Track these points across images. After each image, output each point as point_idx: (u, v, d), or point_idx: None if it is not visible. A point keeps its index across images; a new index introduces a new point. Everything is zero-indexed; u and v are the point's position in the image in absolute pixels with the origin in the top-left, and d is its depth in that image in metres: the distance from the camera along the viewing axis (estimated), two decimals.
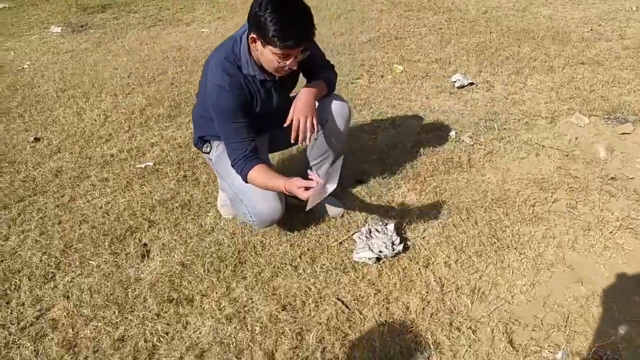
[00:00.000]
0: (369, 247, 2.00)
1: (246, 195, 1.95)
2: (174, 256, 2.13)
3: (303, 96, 1.89)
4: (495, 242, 2.08)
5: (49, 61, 5.04)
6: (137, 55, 4.98)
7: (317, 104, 2.01)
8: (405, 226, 2.20)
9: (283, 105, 1.93)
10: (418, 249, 2.07)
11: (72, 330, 1.81)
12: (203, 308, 1.85)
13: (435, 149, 2.84)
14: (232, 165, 1.88)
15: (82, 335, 1.79)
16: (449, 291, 1.85)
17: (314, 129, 1.88)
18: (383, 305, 1.81)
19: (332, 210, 2.31)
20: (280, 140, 1.94)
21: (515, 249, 2.05)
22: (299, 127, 1.87)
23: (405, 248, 2.07)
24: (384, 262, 2.00)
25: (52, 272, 2.10)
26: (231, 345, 1.70)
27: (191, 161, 2.90)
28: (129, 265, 2.11)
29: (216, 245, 2.18)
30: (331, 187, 1.67)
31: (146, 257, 2.16)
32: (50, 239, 2.32)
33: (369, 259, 1.98)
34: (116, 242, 2.26)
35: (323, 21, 5.56)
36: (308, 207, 1.70)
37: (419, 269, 1.95)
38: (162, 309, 1.86)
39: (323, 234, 2.20)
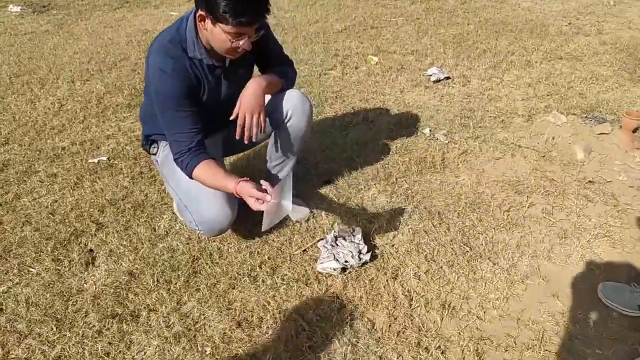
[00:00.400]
0: (334, 257, 1.85)
1: (191, 200, 1.78)
2: (121, 264, 1.95)
3: (250, 88, 1.72)
4: (467, 251, 1.96)
5: (5, 43, 4.73)
6: (99, 39, 4.71)
7: (267, 98, 1.85)
8: (374, 232, 2.06)
9: (234, 98, 1.75)
10: (387, 258, 1.93)
11: (2, 349, 1.62)
12: (150, 325, 1.68)
13: (408, 147, 2.71)
14: (176, 160, 1.69)
15: (13, 356, 1.60)
16: (418, 306, 1.73)
17: (260, 126, 1.73)
18: (347, 322, 1.67)
19: (297, 213, 2.15)
20: (234, 140, 1.77)
21: (488, 258, 1.93)
22: (244, 123, 1.71)
23: (374, 257, 1.93)
24: (349, 272, 1.87)
25: None
26: None
27: (149, 156, 2.70)
28: (72, 274, 1.93)
29: (169, 252, 2.00)
30: (288, 204, 1.50)
31: (91, 265, 1.97)
32: None
33: (334, 269, 1.84)
34: (60, 247, 2.06)
35: (298, 7, 5.35)
36: (264, 228, 1.53)
37: (387, 281, 1.82)
38: (104, 326, 1.69)
39: (286, 240, 2.05)
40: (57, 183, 2.55)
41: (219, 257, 1.97)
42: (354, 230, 1.98)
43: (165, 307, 1.74)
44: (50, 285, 1.87)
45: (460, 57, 3.91)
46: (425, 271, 1.87)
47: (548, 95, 3.25)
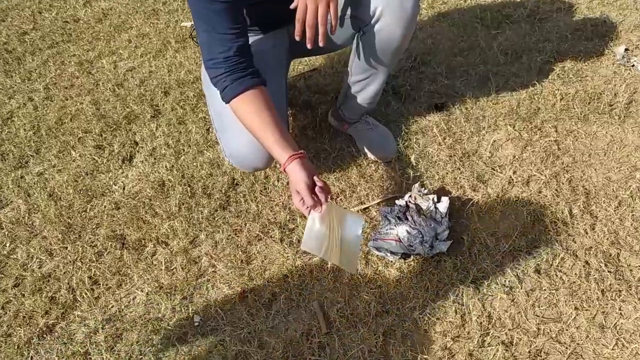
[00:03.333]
0: (398, 236, 1.30)
1: (223, 126, 1.31)
2: (158, 169, 1.64)
3: None
4: (607, 277, 1.25)
5: None
6: None
7: None
8: (470, 208, 1.42)
9: None
10: (477, 255, 1.32)
11: (10, 244, 1.48)
12: (151, 263, 1.39)
13: (580, 71, 1.83)
14: (212, 80, 1.19)
15: (14, 257, 1.45)
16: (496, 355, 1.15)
17: (331, 24, 1.13)
18: (379, 339, 1.18)
19: (385, 148, 1.58)
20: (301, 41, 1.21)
21: None
22: (304, 17, 1.12)
23: (455, 245, 1.33)
24: (413, 260, 1.32)
25: (28, 157, 1.76)
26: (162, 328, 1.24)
27: None
28: (106, 169, 1.68)
29: (211, 166, 1.63)
30: (352, 264, 1.09)
31: (128, 162, 1.70)
32: (48, 108, 1.94)
33: (392, 253, 1.30)
34: (108, 130, 1.82)
35: None
36: (303, 247, 1.06)
37: (461, 292, 1.24)
38: (107, 249, 1.44)
39: (348, 187, 1.52)
40: (143, 46, 2.27)
41: (261, 191, 1.54)
42: (439, 199, 1.37)
43: (177, 244, 1.42)
44: (80, 178, 1.65)
45: None
46: (530, 299, 1.23)
47: None
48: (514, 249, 1.32)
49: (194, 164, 1.64)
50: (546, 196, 1.43)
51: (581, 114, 1.67)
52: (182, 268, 1.36)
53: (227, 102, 1.16)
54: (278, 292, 1.28)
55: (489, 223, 1.38)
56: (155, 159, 1.69)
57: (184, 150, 1.71)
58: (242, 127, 1.18)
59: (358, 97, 1.50)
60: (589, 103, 1.70)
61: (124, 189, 1.61)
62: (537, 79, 1.83)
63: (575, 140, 1.59)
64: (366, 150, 1.60)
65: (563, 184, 1.46)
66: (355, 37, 1.37)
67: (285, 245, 1.37)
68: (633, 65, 1.81)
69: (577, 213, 1.38)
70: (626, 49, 1.88)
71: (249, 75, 1.14)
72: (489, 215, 1.40)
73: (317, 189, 1.06)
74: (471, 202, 1.43)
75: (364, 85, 1.47)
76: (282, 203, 1.50)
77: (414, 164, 1.56)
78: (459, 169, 1.54)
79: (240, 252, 1.38)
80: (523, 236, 1.34)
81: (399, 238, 1.29)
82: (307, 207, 1.06)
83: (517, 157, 1.56)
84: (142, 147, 1.74)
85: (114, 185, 1.62)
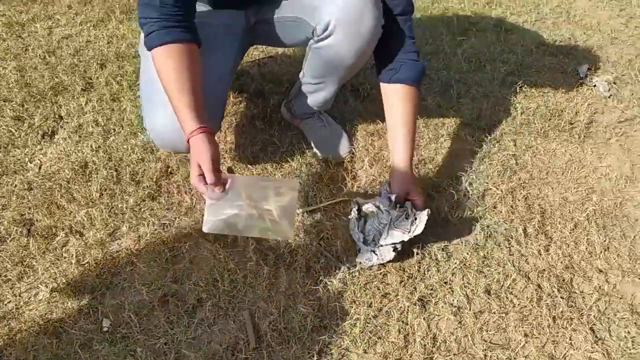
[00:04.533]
0: (363, 237, 1.19)
1: (151, 89, 1.15)
2: (82, 148, 1.46)
3: None
4: (559, 304, 1.18)
5: None
6: None
7: None
8: (442, 206, 1.33)
9: None
10: (425, 271, 1.22)
11: None
12: (60, 255, 1.21)
13: (542, 87, 1.78)
14: (141, 20, 1.04)
15: None
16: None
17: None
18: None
19: (337, 147, 1.47)
20: (260, 30, 1.09)
21: (591, 327, 1.14)
22: None
23: (402, 258, 1.23)
24: (355, 273, 1.20)
25: None
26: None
27: None
28: (23, 143, 1.48)
29: (143, 151, 1.46)
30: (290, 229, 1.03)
31: (49, 138, 1.50)
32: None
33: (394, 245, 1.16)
34: (30, 101, 1.61)
35: None
36: (205, 228, 1.00)
37: (408, 312, 1.14)
38: (11, 235, 1.24)
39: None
40: (84, 14, 2.07)
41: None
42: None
43: (93, 234, 1.24)
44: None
45: None
46: (478, 322, 1.14)
47: None
48: (465, 265, 1.23)
49: (125, 146, 1.46)
50: (501, 212, 1.36)
51: (541, 130, 1.61)
52: (95, 263, 1.18)
53: (150, 48, 1.02)
54: (205, 298, 1.13)
55: (440, 235, 1.29)
56: (80, 137, 1.50)
57: (114, 130, 1.53)
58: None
59: (309, 98, 1.39)
60: (550, 119, 1.65)
61: (40, 167, 1.41)
62: (500, 90, 1.77)
63: (534, 156, 1.53)
64: (317, 148, 1.48)
65: (519, 200, 1.39)
66: (308, 44, 1.25)
67: (219, 246, 1.23)
68: (595, 86, 1.78)
69: (531, 232, 1.31)
70: (589, 69, 1.85)
71: (182, 28, 1.02)
72: (441, 228, 1.31)
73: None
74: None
75: (315, 89, 1.36)
76: None
77: (368, 167, 1.45)
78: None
79: (166, 250, 1.22)
80: (475, 252, 1.25)
81: (365, 239, 1.18)
82: (206, 185, 0.96)
83: (474, 168, 1.48)
84: (66, 123, 1.54)
85: (29, 163, 1.42)
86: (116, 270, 1.18)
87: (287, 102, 1.54)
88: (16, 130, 1.51)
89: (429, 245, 1.26)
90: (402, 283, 1.18)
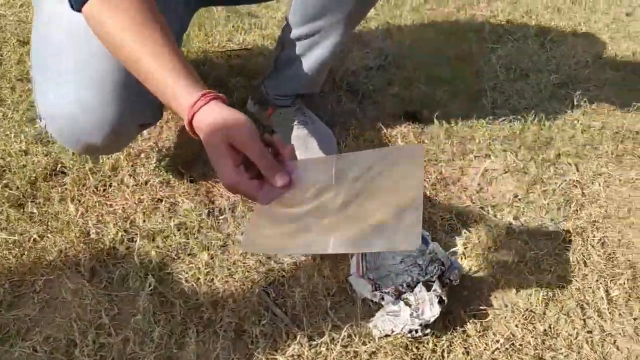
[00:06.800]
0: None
1: (47, 54, 0.72)
2: None
3: None
4: None
5: None
6: None
7: None
8: (470, 249, 0.83)
9: None
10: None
11: None
12: None
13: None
14: None
15: None
16: None
17: None
18: None
19: (321, 151, 1.01)
20: None
21: None
22: None
23: (447, 312, 0.71)
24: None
25: None
26: None
27: None
28: None
29: (27, 143, 1.00)
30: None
31: None
32: None
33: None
34: None
35: None
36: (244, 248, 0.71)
37: None
38: None
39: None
40: None
41: (95, 188, 0.91)
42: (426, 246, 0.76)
43: None
44: None
45: None
46: None
47: None
48: (513, 347, 0.72)
49: (6, 133, 1.01)
50: (568, 262, 0.85)
51: (612, 154, 1.13)
52: None
53: (80, 7, 0.59)
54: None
55: (469, 296, 0.78)
56: None
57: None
58: (81, 66, 0.65)
59: (296, 65, 0.94)
60: (622, 142, 1.18)
61: None
62: (549, 103, 1.31)
63: (607, 187, 1.04)
64: (296, 150, 1.01)
65: (593, 246, 0.89)
66: None
67: (87, 283, 0.73)
68: None
69: (618, 297, 0.80)
70: None
71: None
72: (470, 282, 0.81)
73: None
74: (448, 252, 0.83)
75: (309, 45, 0.93)
76: (124, 211, 0.87)
77: None
78: (430, 200, 0.95)
79: (6, 285, 0.73)
80: (530, 324, 0.74)
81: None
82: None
83: (520, 197, 0.99)
84: None
85: None
86: None
87: (258, 89, 1.10)
88: None
89: (451, 311, 0.75)
90: None
